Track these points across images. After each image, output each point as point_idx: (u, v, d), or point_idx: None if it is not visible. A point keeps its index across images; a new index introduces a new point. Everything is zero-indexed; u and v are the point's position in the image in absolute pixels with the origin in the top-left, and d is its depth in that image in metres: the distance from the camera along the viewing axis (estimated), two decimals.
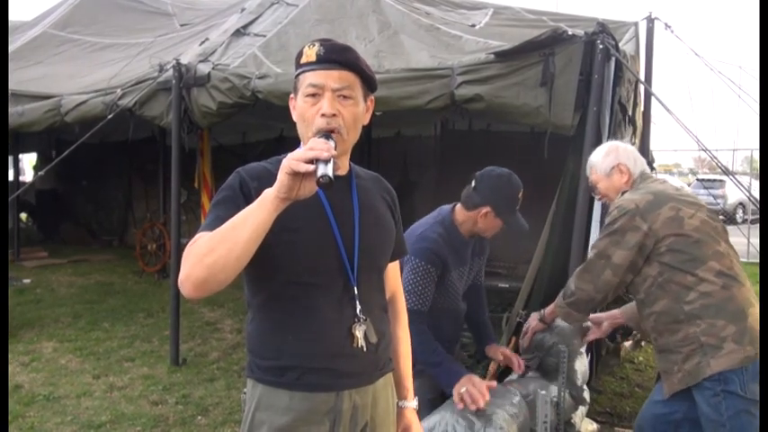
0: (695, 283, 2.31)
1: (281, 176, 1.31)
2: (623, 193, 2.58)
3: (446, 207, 2.77)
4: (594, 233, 3.72)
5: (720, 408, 2.23)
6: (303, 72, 1.55)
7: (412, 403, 1.87)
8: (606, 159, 2.65)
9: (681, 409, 2.43)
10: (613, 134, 3.76)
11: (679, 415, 2.44)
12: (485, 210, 2.61)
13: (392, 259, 1.79)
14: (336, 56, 1.53)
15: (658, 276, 2.37)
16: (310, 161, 1.30)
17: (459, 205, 2.72)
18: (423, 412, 2.51)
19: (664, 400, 2.45)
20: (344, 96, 1.52)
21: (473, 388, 2.35)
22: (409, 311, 2.37)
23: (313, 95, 1.52)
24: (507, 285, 5.68)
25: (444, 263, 2.61)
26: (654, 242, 2.35)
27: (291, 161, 1.30)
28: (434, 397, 2.65)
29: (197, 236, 1.43)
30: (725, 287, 2.30)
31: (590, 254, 2.53)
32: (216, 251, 1.34)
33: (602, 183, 2.67)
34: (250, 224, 1.34)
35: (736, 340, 2.22)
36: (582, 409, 3.06)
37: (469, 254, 2.80)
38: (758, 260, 9.04)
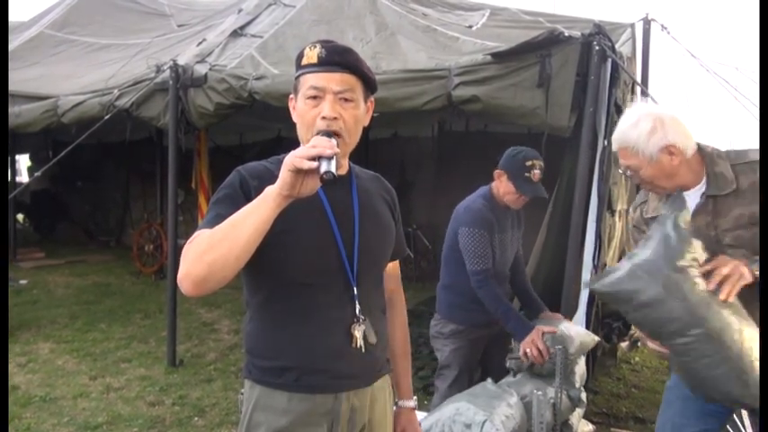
0: None
1: (284, 173, 1.31)
2: (718, 158, 2.03)
3: (486, 186, 3.11)
4: (591, 234, 3.73)
5: None
6: (304, 74, 1.54)
7: (411, 403, 1.87)
8: (652, 138, 1.98)
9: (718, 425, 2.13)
10: (609, 135, 3.77)
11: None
12: (499, 172, 2.99)
13: (392, 259, 1.79)
14: (338, 58, 1.52)
15: None
16: (313, 158, 1.30)
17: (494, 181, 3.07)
18: (454, 374, 3.05)
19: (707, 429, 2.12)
20: (346, 99, 1.52)
21: (538, 346, 2.80)
22: (478, 272, 2.89)
23: (314, 98, 1.51)
24: None
25: (492, 226, 2.96)
26: None
27: (295, 158, 1.30)
28: (465, 363, 3.08)
29: (196, 233, 1.42)
30: None
31: None
32: (216, 249, 1.34)
33: (649, 169, 2.02)
34: (251, 222, 1.34)
35: None
36: (579, 411, 3.07)
37: (509, 225, 3.10)
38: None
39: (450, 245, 3.09)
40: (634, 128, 2.01)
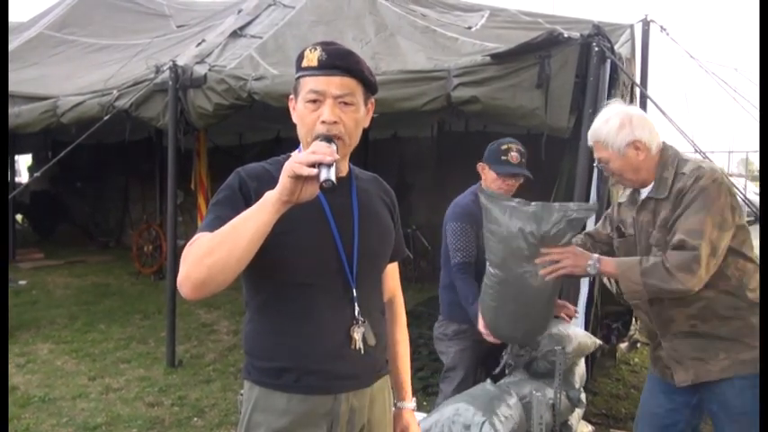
0: (754, 270, 2.18)
1: (284, 179, 1.31)
2: (671, 165, 2.24)
3: (477, 183, 3.13)
4: None
5: (750, 398, 2.11)
6: (304, 76, 1.54)
7: (410, 404, 1.87)
8: (620, 134, 2.23)
9: (683, 419, 2.36)
10: None
11: (681, 425, 2.37)
12: (481, 165, 3.03)
13: (391, 260, 1.79)
14: (338, 62, 1.51)
15: (722, 260, 2.15)
16: (313, 165, 1.30)
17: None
18: (460, 375, 3.04)
19: (667, 410, 2.36)
20: (346, 103, 1.51)
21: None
22: (456, 264, 2.99)
23: (314, 101, 1.51)
24: None
25: (476, 219, 2.89)
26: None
27: (294, 164, 1.30)
28: (473, 363, 3.07)
29: (196, 236, 1.42)
30: None
31: (685, 240, 2.10)
32: (216, 252, 1.34)
33: (617, 162, 2.27)
34: (251, 226, 1.34)
35: None
36: (579, 412, 3.07)
37: None
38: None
39: (445, 244, 3.12)
40: (605, 124, 2.27)
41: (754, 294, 2.16)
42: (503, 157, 2.96)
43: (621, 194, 2.56)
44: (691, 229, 2.10)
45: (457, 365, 3.06)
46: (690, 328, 2.24)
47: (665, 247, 2.18)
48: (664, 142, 2.30)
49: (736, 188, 2.31)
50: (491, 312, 2.65)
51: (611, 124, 2.25)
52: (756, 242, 2.33)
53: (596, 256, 2.32)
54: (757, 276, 2.19)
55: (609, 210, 2.63)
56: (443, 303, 3.17)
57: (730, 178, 2.32)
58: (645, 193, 2.31)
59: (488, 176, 3.02)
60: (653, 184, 2.27)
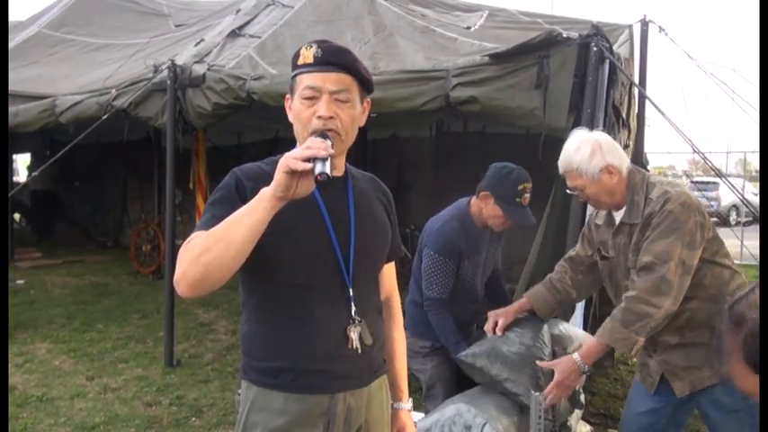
0: (731, 276, 2.27)
1: (279, 175, 1.31)
2: (641, 189, 2.31)
3: (464, 199, 2.95)
4: None
5: (740, 398, 2.13)
6: (300, 74, 1.54)
7: (407, 405, 1.87)
8: (593, 161, 2.29)
9: (666, 414, 2.43)
10: None
11: (663, 421, 2.45)
12: (485, 194, 2.79)
13: (388, 260, 1.79)
14: (334, 58, 1.52)
15: (698, 272, 2.23)
16: (308, 160, 1.30)
17: (474, 197, 2.91)
18: (442, 391, 2.87)
19: (651, 409, 2.44)
20: (341, 99, 1.52)
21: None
22: (432, 299, 2.78)
23: (310, 98, 1.51)
24: None
25: (460, 254, 2.82)
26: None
27: (289, 159, 1.30)
28: (452, 375, 2.91)
29: (192, 235, 1.42)
30: (745, 280, 2.29)
31: (654, 261, 2.18)
32: (212, 250, 1.34)
33: (592, 188, 2.33)
34: (246, 223, 1.34)
35: None
36: (578, 412, 3.06)
37: (485, 243, 2.95)
38: (752, 262, 9.09)
39: (418, 263, 2.94)
40: (576, 152, 2.32)
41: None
42: (517, 199, 2.74)
43: (597, 215, 2.56)
44: (659, 251, 2.17)
45: (435, 383, 2.92)
46: (679, 339, 2.31)
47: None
48: (630, 166, 2.38)
49: (704, 204, 2.44)
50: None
51: (582, 152, 2.31)
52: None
53: (574, 356, 2.35)
54: (736, 281, 2.28)
55: (585, 229, 2.65)
56: (411, 319, 2.94)
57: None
58: (619, 216, 2.37)
59: (491, 210, 2.79)
60: (625, 208, 2.33)
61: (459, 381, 2.90)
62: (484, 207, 2.82)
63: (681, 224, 2.17)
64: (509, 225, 2.84)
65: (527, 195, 2.77)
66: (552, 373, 2.39)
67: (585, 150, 2.30)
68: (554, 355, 2.77)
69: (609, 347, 2.28)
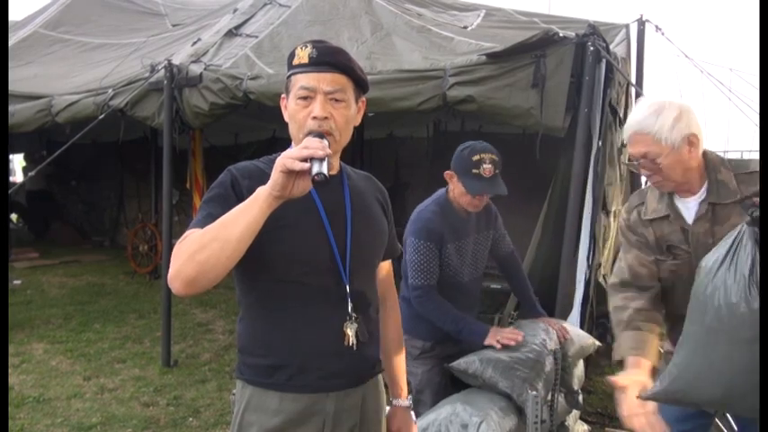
0: None
1: (276, 174, 1.31)
2: (721, 165, 2.00)
3: (445, 188, 2.87)
4: (585, 235, 3.74)
5: None
6: (295, 73, 1.55)
7: (405, 402, 1.87)
8: (677, 126, 1.95)
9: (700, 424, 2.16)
10: (603, 136, 3.78)
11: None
12: (449, 173, 2.74)
13: (384, 258, 1.79)
14: (329, 58, 1.53)
15: None
16: (305, 159, 1.30)
17: None
18: (431, 397, 2.75)
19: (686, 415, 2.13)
20: (336, 99, 1.52)
21: (504, 333, 2.63)
22: (420, 287, 2.66)
23: (305, 98, 1.52)
24: (499, 286, 5.69)
25: (440, 237, 2.73)
26: None
27: (286, 159, 1.30)
28: (445, 375, 2.80)
29: (187, 232, 1.42)
30: None
31: None
32: (207, 248, 1.34)
33: (669, 158, 1.96)
34: (242, 222, 1.34)
35: None
36: (575, 412, 3.07)
37: (471, 228, 2.86)
38: None
39: (405, 253, 2.82)
40: (657, 114, 1.97)
41: None
42: (474, 170, 2.62)
43: (643, 210, 2.17)
44: None
45: (425, 388, 2.83)
46: None
47: None
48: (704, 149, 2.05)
49: None
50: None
51: (666, 115, 1.96)
52: None
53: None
54: None
55: (628, 236, 2.21)
56: (403, 317, 2.75)
57: None
58: (693, 201, 2.04)
59: (456, 188, 2.73)
60: (705, 188, 2.01)
61: (449, 387, 2.83)
62: (453, 187, 2.76)
63: None
64: (480, 202, 2.74)
65: (486, 166, 2.62)
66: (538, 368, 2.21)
67: (670, 113, 1.96)
68: (554, 356, 2.77)
69: None
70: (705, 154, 2.03)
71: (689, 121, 1.96)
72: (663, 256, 2.12)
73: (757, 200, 1.74)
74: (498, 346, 2.61)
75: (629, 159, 2.07)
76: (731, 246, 1.68)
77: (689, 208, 2.05)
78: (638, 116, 2.02)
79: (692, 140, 1.96)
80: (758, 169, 1.95)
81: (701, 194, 2.02)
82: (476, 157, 2.62)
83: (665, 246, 2.10)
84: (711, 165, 2.02)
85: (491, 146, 2.70)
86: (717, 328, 1.65)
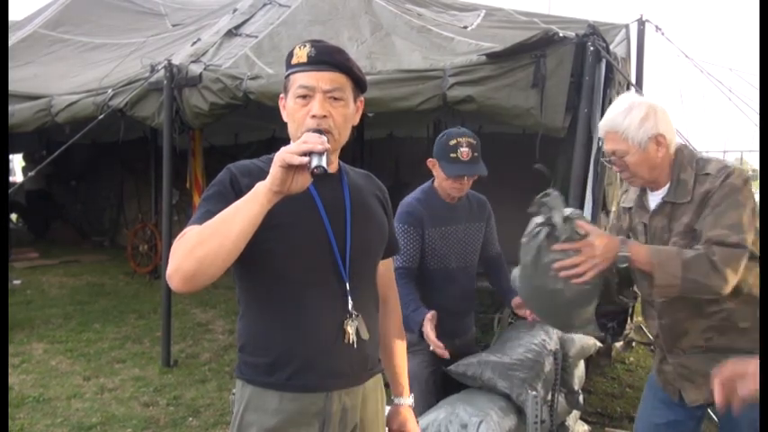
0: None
1: (275, 169, 1.31)
2: (688, 166, 2.07)
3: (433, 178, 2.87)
4: None
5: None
6: (294, 73, 1.55)
7: (407, 400, 1.87)
8: (644, 126, 2.03)
9: (689, 429, 2.21)
10: None
11: (692, 424, 2.22)
12: (431, 161, 2.76)
13: (385, 256, 1.79)
14: (327, 57, 1.53)
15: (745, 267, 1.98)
16: (304, 154, 1.31)
17: None
18: (420, 390, 2.62)
19: (670, 422, 2.21)
20: (335, 98, 1.53)
21: (431, 336, 2.46)
22: (398, 269, 2.54)
23: (303, 97, 1.52)
24: None
25: (420, 221, 2.73)
26: None
27: (285, 154, 1.30)
28: (434, 369, 2.74)
29: (186, 229, 1.42)
30: None
31: (728, 233, 1.90)
32: (206, 244, 1.33)
33: (635, 156, 2.05)
34: (241, 218, 1.33)
35: None
36: (575, 412, 3.07)
37: (460, 216, 2.83)
38: None
39: None
40: (626, 113, 2.05)
41: None
42: (451, 154, 2.65)
43: (623, 198, 2.34)
44: (732, 223, 1.90)
45: (413, 381, 2.55)
46: (704, 342, 2.08)
47: None
48: (680, 143, 2.14)
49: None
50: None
51: (634, 114, 2.04)
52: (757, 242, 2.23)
53: (624, 240, 2.01)
54: None
55: (614, 219, 2.46)
56: None
57: None
58: (658, 195, 2.13)
59: (439, 176, 2.76)
60: (668, 186, 2.10)
61: (439, 383, 2.76)
62: (436, 175, 2.78)
63: (745, 200, 1.93)
64: (462, 187, 2.72)
65: (464, 149, 2.63)
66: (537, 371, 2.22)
67: (638, 113, 2.04)
68: (554, 356, 2.78)
69: (649, 268, 1.94)
70: (679, 151, 2.10)
71: (656, 121, 2.04)
72: None
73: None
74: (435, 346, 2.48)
75: (603, 155, 2.17)
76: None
77: (654, 203, 2.14)
78: (610, 114, 2.11)
79: (659, 140, 2.04)
80: (713, 172, 2.02)
81: (663, 191, 2.11)
82: (452, 142, 2.66)
83: (629, 234, 2.23)
84: (679, 163, 2.09)
85: (469, 130, 2.74)
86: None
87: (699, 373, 2.08)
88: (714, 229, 1.93)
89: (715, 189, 1.98)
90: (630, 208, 2.26)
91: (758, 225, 1.98)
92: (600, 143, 3.66)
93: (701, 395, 2.10)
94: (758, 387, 1.62)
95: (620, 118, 2.06)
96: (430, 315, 2.50)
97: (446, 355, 2.47)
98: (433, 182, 2.85)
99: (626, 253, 1.95)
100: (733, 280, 1.90)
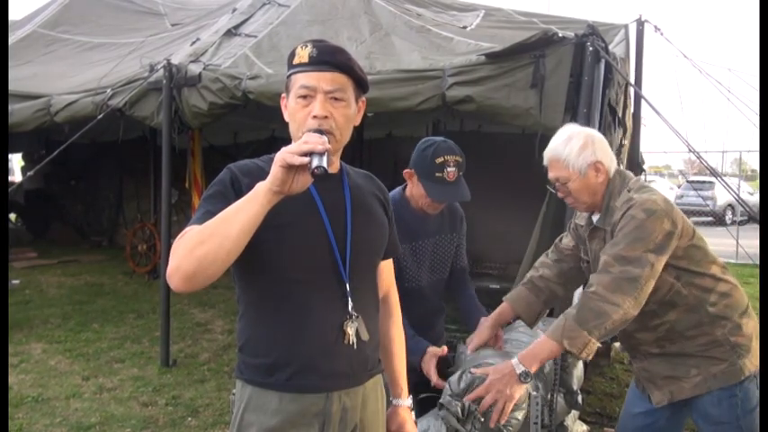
0: (713, 284, 2.18)
1: (275, 169, 1.31)
2: (618, 194, 2.21)
3: (401, 186, 2.65)
4: None
5: (736, 408, 2.14)
6: (295, 73, 1.55)
7: (406, 401, 1.87)
8: (583, 154, 2.19)
9: (663, 416, 2.36)
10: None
11: (661, 422, 2.38)
12: (408, 172, 2.53)
13: (385, 257, 1.79)
14: (329, 57, 1.53)
15: (676, 282, 2.15)
16: (305, 154, 1.30)
17: None
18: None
19: (647, 411, 2.36)
20: (336, 98, 1.52)
21: (432, 373, 2.36)
22: None
23: (305, 97, 1.52)
24: (498, 286, 5.69)
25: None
26: (676, 245, 2.12)
27: (286, 154, 1.30)
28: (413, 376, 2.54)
29: (186, 229, 1.42)
30: (735, 285, 2.24)
31: (615, 263, 2.05)
32: (206, 244, 1.33)
33: (576, 182, 2.22)
34: (242, 217, 1.33)
35: (756, 336, 2.18)
36: (575, 413, 3.07)
37: (431, 229, 2.64)
38: (747, 261, 9.13)
39: None
40: (566, 143, 2.22)
41: (715, 309, 2.17)
42: (437, 174, 2.40)
43: (577, 215, 2.48)
44: (618, 253, 2.05)
45: None
46: (659, 350, 2.25)
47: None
48: (616, 169, 2.28)
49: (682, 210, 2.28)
50: None
51: (573, 143, 2.21)
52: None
53: (513, 361, 2.09)
54: (720, 288, 2.19)
55: (572, 222, 2.54)
56: None
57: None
58: (595, 219, 2.28)
59: (416, 189, 2.50)
60: (601, 212, 2.25)
61: (419, 391, 2.54)
62: (412, 187, 2.53)
63: (643, 230, 2.05)
64: (439, 205, 2.53)
65: (450, 170, 2.40)
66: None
67: (577, 142, 2.21)
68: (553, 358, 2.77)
69: (560, 348, 2.07)
70: (612, 179, 2.24)
71: (594, 150, 2.21)
72: (582, 255, 2.43)
73: None
74: (434, 380, 2.36)
75: (549, 183, 2.30)
76: None
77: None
78: (552, 144, 2.27)
79: (598, 167, 2.21)
80: (618, 205, 2.16)
81: (598, 216, 2.28)
82: (439, 160, 2.41)
83: (583, 248, 2.40)
84: (609, 191, 2.24)
85: (455, 145, 2.50)
86: None
87: (659, 376, 2.27)
88: (604, 255, 2.10)
89: (617, 221, 2.13)
90: (581, 225, 2.41)
91: (676, 244, 2.10)
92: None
93: (665, 396, 2.26)
94: None
95: (561, 147, 2.23)
96: (433, 351, 2.39)
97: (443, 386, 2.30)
98: (404, 188, 2.61)
99: (523, 368, 2.06)
100: (627, 302, 2.01)
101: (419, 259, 2.62)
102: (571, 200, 2.29)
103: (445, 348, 2.44)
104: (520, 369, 2.07)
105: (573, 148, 2.21)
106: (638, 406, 2.43)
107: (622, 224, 2.10)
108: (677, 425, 2.42)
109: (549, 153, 2.27)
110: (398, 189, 2.63)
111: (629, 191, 2.20)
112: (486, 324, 2.51)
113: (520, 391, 2.08)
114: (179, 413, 4.07)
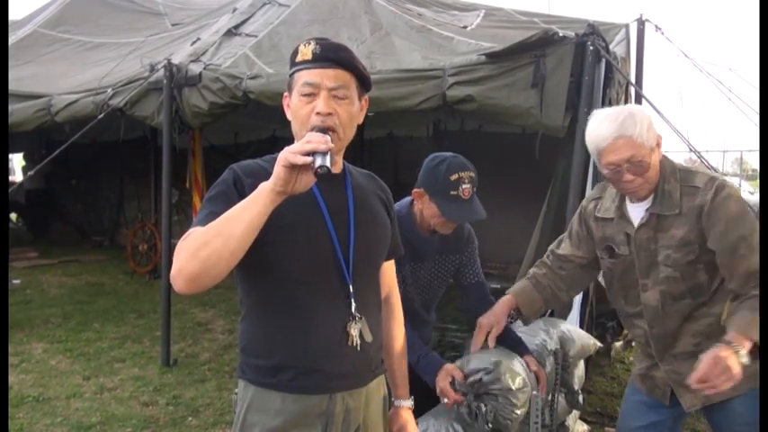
0: None
1: (278, 169, 1.30)
2: (671, 177, 2.07)
3: (408, 198, 2.54)
4: None
5: (753, 409, 2.00)
6: (298, 70, 1.54)
7: (408, 402, 1.87)
8: (651, 129, 2.03)
9: (665, 426, 2.29)
10: None
11: (670, 423, 2.31)
12: (418, 191, 2.41)
13: (388, 258, 1.78)
14: (332, 54, 1.52)
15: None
16: (308, 153, 1.30)
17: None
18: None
19: (648, 424, 2.29)
20: (340, 96, 1.52)
21: (448, 390, 2.26)
22: None
23: (308, 94, 1.51)
24: (499, 286, 5.66)
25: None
26: None
27: (289, 153, 1.30)
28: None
29: (190, 230, 1.41)
30: None
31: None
32: (210, 245, 1.33)
33: (651, 157, 2.03)
34: (245, 218, 1.33)
35: None
36: (575, 412, 3.07)
37: (432, 250, 2.54)
38: None
39: None
40: (632, 119, 2.02)
41: None
42: (452, 192, 2.28)
43: (599, 208, 2.28)
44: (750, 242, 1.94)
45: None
46: (693, 348, 2.11)
47: (685, 268, 2.06)
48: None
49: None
50: None
51: (640, 120, 2.02)
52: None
53: (730, 340, 1.90)
54: None
55: (575, 227, 2.40)
56: None
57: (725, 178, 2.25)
58: (640, 207, 2.13)
59: (427, 209, 2.37)
60: (652, 197, 2.09)
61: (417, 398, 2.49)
62: (422, 207, 2.41)
63: (744, 208, 1.97)
64: (452, 225, 2.42)
65: (465, 186, 2.29)
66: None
67: (643, 119, 2.02)
68: (554, 356, 2.77)
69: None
70: (661, 162, 2.10)
71: (655, 126, 2.06)
72: (602, 254, 2.27)
73: None
74: (451, 397, 2.26)
75: (607, 168, 2.07)
76: None
77: (637, 214, 2.14)
78: (612, 124, 2.03)
79: (659, 143, 2.07)
80: (701, 185, 2.04)
81: (648, 202, 2.11)
82: (454, 177, 2.29)
83: (604, 245, 2.24)
84: (663, 174, 2.09)
85: (467, 160, 2.38)
86: None
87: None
88: (752, 257, 1.95)
89: (707, 203, 2.00)
90: (604, 219, 2.24)
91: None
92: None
93: (698, 400, 2.15)
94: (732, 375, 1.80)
95: (630, 125, 2.01)
96: (450, 368, 2.28)
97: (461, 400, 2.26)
98: (411, 204, 2.49)
99: (740, 348, 1.88)
100: None
101: (416, 280, 2.55)
102: (641, 180, 2.05)
103: (461, 375, 2.30)
104: (744, 355, 1.88)
105: (642, 123, 2.01)
106: (637, 419, 2.34)
107: (725, 210, 1.98)
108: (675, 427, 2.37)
109: (613, 133, 2.02)
110: (405, 203, 2.50)
111: (696, 171, 2.10)
112: (499, 314, 2.41)
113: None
114: (180, 413, 4.07)
